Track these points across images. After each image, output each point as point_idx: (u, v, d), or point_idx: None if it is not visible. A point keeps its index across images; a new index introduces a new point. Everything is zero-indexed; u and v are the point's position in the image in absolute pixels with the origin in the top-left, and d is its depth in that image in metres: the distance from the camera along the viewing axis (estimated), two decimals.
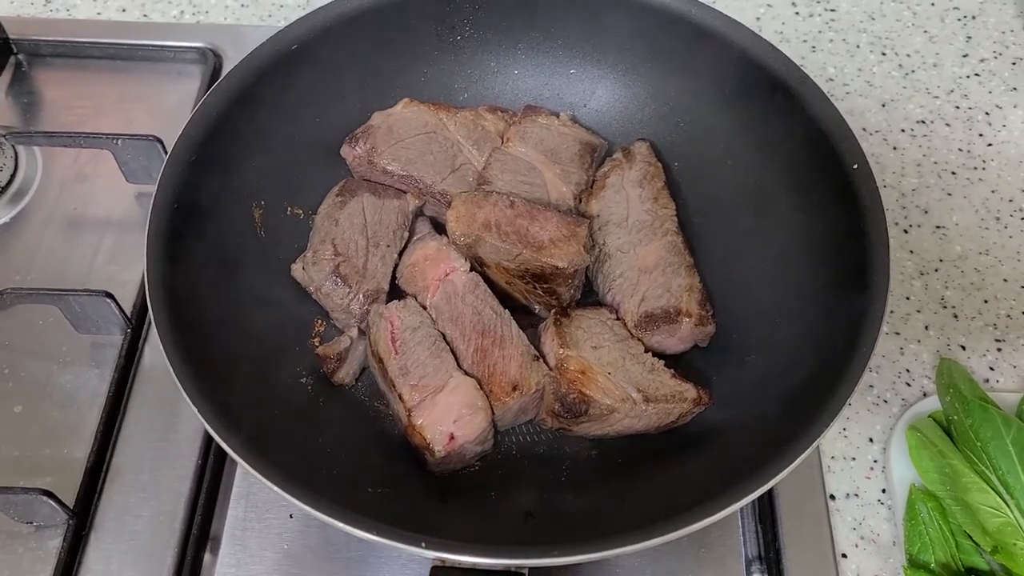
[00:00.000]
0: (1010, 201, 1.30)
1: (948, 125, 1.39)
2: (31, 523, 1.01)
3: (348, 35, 1.12)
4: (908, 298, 1.21)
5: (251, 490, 1.04)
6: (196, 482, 1.04)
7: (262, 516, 1.03)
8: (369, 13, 1.12)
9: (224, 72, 1.39)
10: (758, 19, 1.53)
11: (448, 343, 1.00)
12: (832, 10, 1.54)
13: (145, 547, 1.00)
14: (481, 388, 0.96)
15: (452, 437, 0.93)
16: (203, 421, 0.82)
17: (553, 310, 1.04)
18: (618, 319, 1.05)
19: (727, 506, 0.77)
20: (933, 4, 1.55)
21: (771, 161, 1.09)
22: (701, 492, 0.81)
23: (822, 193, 1.00)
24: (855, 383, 0.82)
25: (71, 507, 1.00)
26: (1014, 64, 1.46)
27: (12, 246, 1.24)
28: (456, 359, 0.98)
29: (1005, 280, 1.22)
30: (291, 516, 1.02)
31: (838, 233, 0.97)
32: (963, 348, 1.17)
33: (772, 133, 1.09)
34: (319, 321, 1.09)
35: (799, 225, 1.04)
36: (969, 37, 1.50)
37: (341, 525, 0.77)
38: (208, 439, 1.06)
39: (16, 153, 1.30)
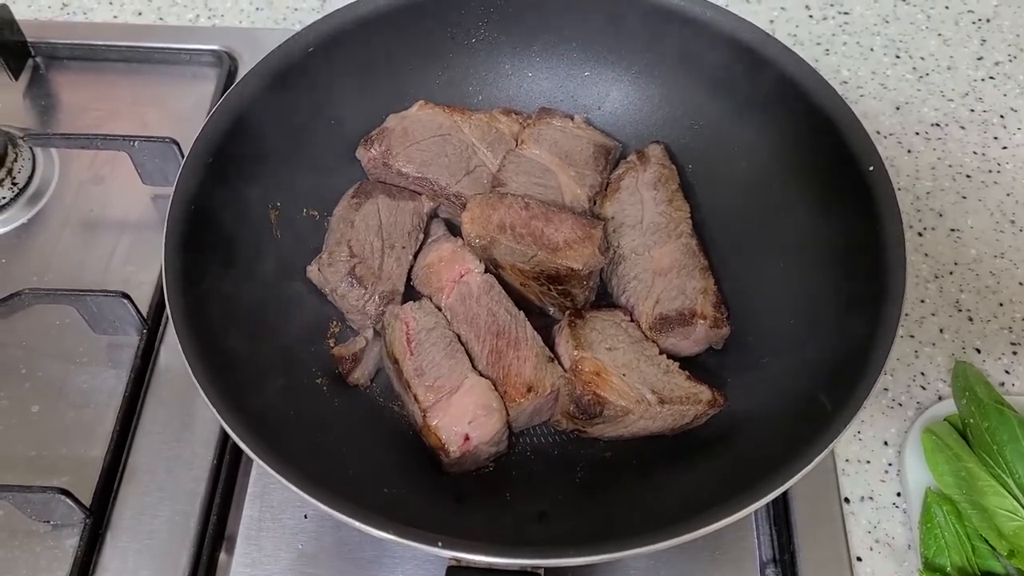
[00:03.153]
0: None
1: (963, 128, 1.39)
2: (48, 522, 1.02)
3: (362, 38, 1.12)
4: (923, 301, 1.21)
5: (266, 490, 1.05)
6: (211, 482, 1.04)
7: (277, 516, 1.03)
8: (383, 16, 1.12)
9: (239, 75, 1.41)
10: (771, 22, 1.53)
11: (463, 344, 1.00)
12: (846, 13, 1.54)
13: (161, 546, 1.01)
14: (496, 389, 0.96)
15: (467, 438, 0.93)
16: (221, 420, 0.83)
17: (567, 312, 1.04)
18: (632, 321, 1.05)
19: (742, 508, 0.77)
20: (947, 7, 1.55)
21: (785, 163, 1.09)
22: (716, 494, 0.81)
23: (837, 195, 1.00)
24: (871, 387, 0.82)
25: (88, 506, 1.00)
26: None
27: (30, 247, 1.24)
28: (471, 360, 0.99)
29: (1021, 283, 1.22)
30: (306, 516, 1.03)
31: (854, 235, 0.97)
32: (978, 351, 1.16)
33: (786, 135, 1.09)
34: (334, 322, 1.09)
35: (814, 227, 1.04)
36: (984, 40, 1.50)
37: (359, 525, 0.77)
38: (224, 439, 1.07)
39: (34, 155, 1.31)
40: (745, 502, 0.77)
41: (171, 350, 1.14)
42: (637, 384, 0.96)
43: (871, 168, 0.96)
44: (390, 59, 1.17)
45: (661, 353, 1.02)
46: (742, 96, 1.13)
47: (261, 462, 0.81)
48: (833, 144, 1.01)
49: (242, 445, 0.82)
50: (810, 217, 1.04)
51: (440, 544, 0.75)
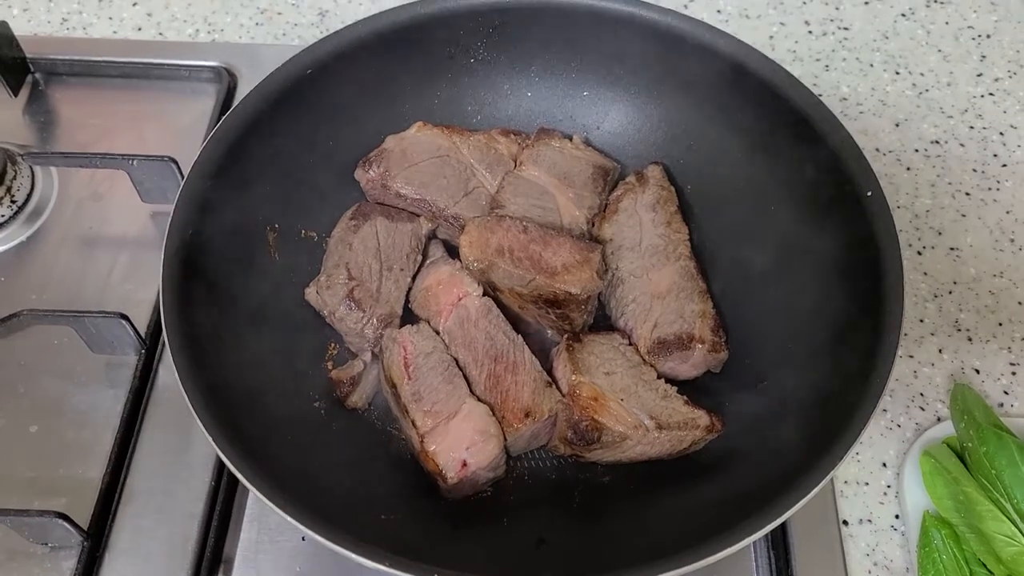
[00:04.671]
0: None
1: (962, 145, 1.38)
2: (46, 544, 1.02)
3: (362, 59, 1.12)
4: (922, 321, 1.20)
5: (264, 512, 1.04)
6: (209, 504, 1.04)
7: (275, 538, 1.03)
8: (383, 36, 1.12)
9: (239, 91, 1.41)
10: (771, 37, 1.53)
11: (461, 368, 1.00)
12: (845, 28, 1.54)
13: (159, 569, 1.00)
14: (494, 414, 0.96)
15: (464, 464, 0.93)
16: (215, 447, 0.83)
17: (565, 335, 1.03)
18: (631, 344, 1.05)
19: (742, 539, 0.77)
20: (947, 23, 1.55)
21: (784, 186, 1.08)
22: (715, 522, 0.81)
23: (836, 220, 1.00)
24: (870, 414, 0.82)
25: (85, 529, 1.00)
26: None
27: (28, 265, 1.24)
28: (469, 385, 0.99)
29: (1020, 303, 1.22)
30: (303, 538, 1.03)
31: (852, 260, 0.97)
32: (977, 372, 1.16)
33: (785, 157, 1.08)
34: (332, 345, 1.09)
35: (812, 251, 1.03)
36: (983, 56, 1.50)
37: (353, 555, 0.77)
38: (221, 461, 1.06)
39: (33, 172, 1.31)
40: (745, 532, 0.78)
41: (169, 370, 1.11)
42: (635, 409, 0.96)
43: (869, 193, 0.96)
44: (389, 80, 1.17)
45: (659, 377, 1.02)
46: (741, 117, 1.13)
47: (255, 490, 0.81)
48: (831, 168, 1.01)
49: (236, 472, 0.82)
50: (808, 241, 1.04)
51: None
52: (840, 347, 0.94)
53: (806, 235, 1.04)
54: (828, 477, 0.81)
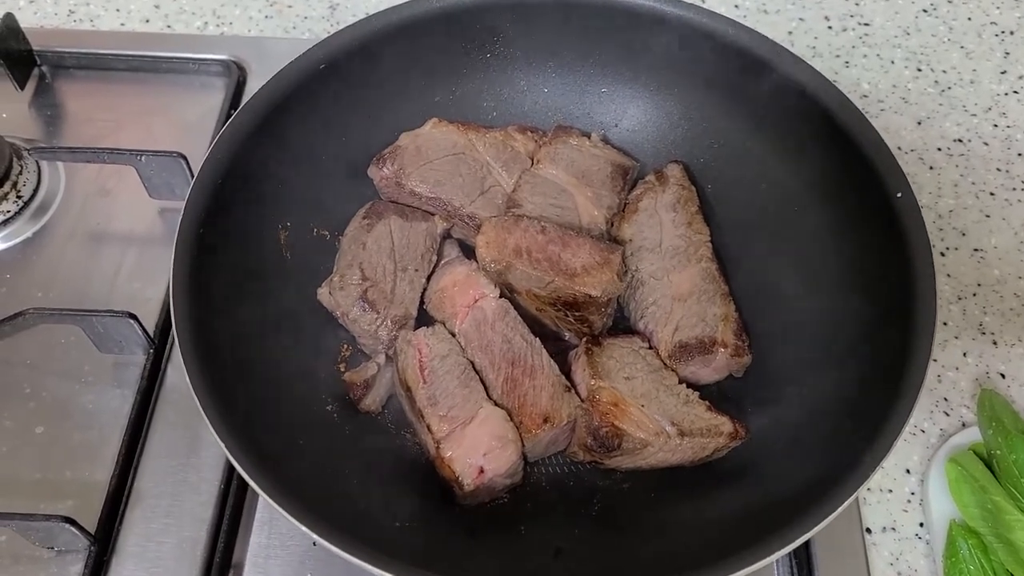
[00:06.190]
0: None
1: (986, 144, 1.36)
2: (52, 548, 1.00)
3: (375, 54, 1.10)
4: (946, 324, 1.18)
5: (274, 517, 1.02)
6: (219, 508, 1.02)
7: (285, 543, 1.01)
8: (397, 31, 1.10)
9: (248, 85, 1.39)
10: (790, 33, 1.50)
11: (477, 372, 0.98)
12: (866, 24, 1.51)
13: (167, 574, 0.99)
14: (511, 419, 0.94)
15: (481, 470, 0.91)
16: (226, 451, 0.81)
17: (584, 338, 1.01)
18: (651, 348, 1.03)
19: (766, 555, 0.75)
20: (970, 19, 1.52)
21: (807, 185, 1.06)
22: (738, 533, 0.80)
23: (863, 221, 0.98)
24: (901, 427, 0.80)
25: (93, 533, 0.98)
26: None
27: (34, 262, 1.22)
28: (485, 388, 0.96)
29: None
30: (314, 543, 1.00)
31: (881, 263, 0.94)
32: (1003, 376, 1.14)
33: (809, 156, 1.06)
34: (345, 346, 1.07)
35: (838, 252, 1.01)
36: (1007, 53, 1.47)
37: (365, 565, 0.75)
38: (231, 463, 1.04)
39: (39, 167, 1.29)
40: (771, 547, 0.75)
41: (178, 370, 1.12)
42: (656, 415, 0.94)
43: (899, 195, 0.93)
44: (403, 75, 1.14)
45: (680, 382, 1.00)
46: (763, 115, 1.10)
47: (266, 496, 0.79)
48: (858, 168, 0.98)
49: (247, 478, 0.80)
50: (834, 242, 1.02)
51: None
52: (868, 354, 0.91)
53: (831, 236, 1.02)
54: (857, 492, 0.78)
